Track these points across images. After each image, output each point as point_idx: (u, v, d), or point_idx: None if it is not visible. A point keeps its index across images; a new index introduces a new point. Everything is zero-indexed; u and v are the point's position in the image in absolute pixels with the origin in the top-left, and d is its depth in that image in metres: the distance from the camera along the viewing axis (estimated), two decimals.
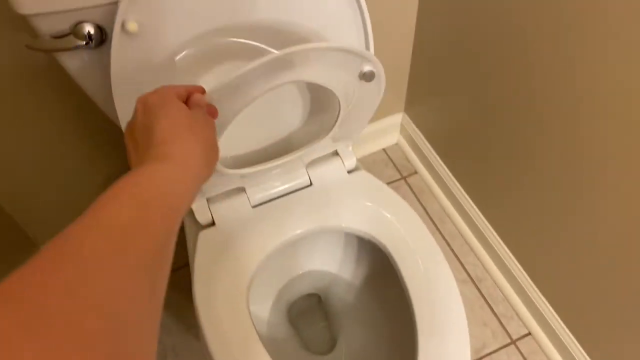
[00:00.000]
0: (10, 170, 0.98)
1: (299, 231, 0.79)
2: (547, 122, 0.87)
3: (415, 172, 1.38)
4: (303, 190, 0.83)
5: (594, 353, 0.97)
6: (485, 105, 1.03)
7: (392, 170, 1.39)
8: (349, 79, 0.66)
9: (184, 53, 0.65)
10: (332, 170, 0.84)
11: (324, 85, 0.65)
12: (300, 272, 0.96)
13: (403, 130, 1.41)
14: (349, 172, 0.84)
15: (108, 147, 1.03)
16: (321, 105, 0.79)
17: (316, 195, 0.82)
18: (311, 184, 0.83)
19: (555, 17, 0.76)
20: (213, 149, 0.44)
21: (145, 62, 0.63)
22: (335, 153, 0.85)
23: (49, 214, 1.11)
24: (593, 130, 0.77)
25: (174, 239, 0.35)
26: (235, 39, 0.67)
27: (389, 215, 0.79)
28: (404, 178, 1.37)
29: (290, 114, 0.80)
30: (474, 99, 1.07)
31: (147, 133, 0.40)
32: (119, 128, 0.72)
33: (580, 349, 0.99)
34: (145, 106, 0.42)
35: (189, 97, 0.47)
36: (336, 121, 0.73)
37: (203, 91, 0.50)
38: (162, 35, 0.62)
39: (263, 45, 0.69)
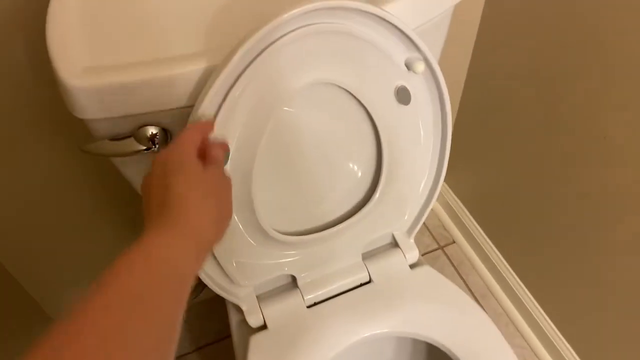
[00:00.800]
0: (21, 235, 0.91)
1: (359, 337, 0.71)
2: (595, 198, 0.81)
3: (454, 242, 1.32)
4: (362, 288, 0.76)
5: None
6: (527, 176, 0.99)
7: (429, 239, 1.33)
8: (386, 95, 0.59)
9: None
10: (393, 265, 0.77)
11: (354, 94, 0.58)
12: None
13: (440, 196, 1.35)
14: (411, 266, 0.78)
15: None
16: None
17: (377, 294, 0.75)
18: (370, 280, 0.76)
19: (626, 90, 0.71)
20: (226, 212, 0.46)
21: None
22: (395, 244, 0.79)
23: (65, 286, 1.03)
24: None
25: (183, 307, 0.36)
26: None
27: (457, 319, 0.72)
28: (442, 248, 1.31)
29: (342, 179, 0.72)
30: (515, 169, 1.03)
31: (162, 193, 0.41)
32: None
33: None
34: (165, 167, 0.42)
35: (207, 150, 0.45)
36: (381, 169, 0.67)
37: (226, 147, 0.49)
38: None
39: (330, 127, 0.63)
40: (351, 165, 0.67)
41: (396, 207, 0.75)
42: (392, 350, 0.85)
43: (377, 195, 0.70)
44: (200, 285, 0.98)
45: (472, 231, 1.26)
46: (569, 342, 1.04)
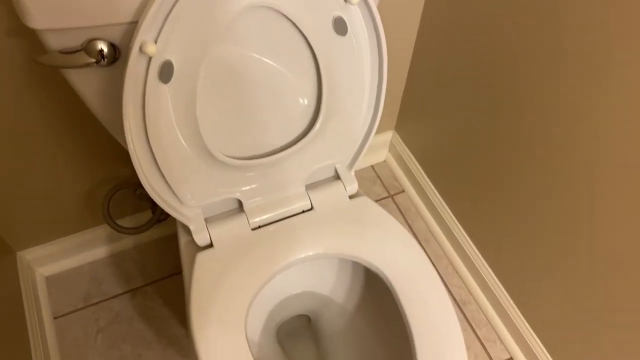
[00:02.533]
0: None
1: (298, 257, 0.78)
2: (537, 148, 0.88)
3: (403, 191, 1.39)
4: (304, 215, 0.82)
5: None
6: (476, 129, 1.04)
7: (380, 187, 1.39)
8: (324, 25, 0.64)
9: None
10: (334, 195, 0.83)
11: (293, 20, 0.62)
12: (292, 294, 0.94)
13: (392, 148, 1.42)
14: (350, 197, 0.84)
15: (93, 155, 1.00)
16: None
17: (317, 220, 0.81)
18: (312, 208, 0.82)
19: (551, 44, 0.77)
20: None
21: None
22: (337, 177, 0.85)
23: (31, 219, 1.06)
24: (585, 160, 0.79)
25: None
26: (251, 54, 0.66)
27: (389, 244, 0.79)
28: (391, 196, 1.38)
29: (291, 107, 0.76)
30: (466, 122, 1.08)
31: None
32: (107, 137, 0.69)
33: None
34: None
35: None
36: (321, 98, 0.72)
37: None
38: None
39: (270, 60, 0.68)
40: (293, 94, 0.72)
41: (337, 140, 0.80)
42: (333, 272, 0.91)
43: (317, 125, 0.75)
44: (159, 210, 1.03)
45: (420, 181, 1.33)
46: (500, 282, 1.12)
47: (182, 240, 0.82)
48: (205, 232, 0.77)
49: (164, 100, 0.62)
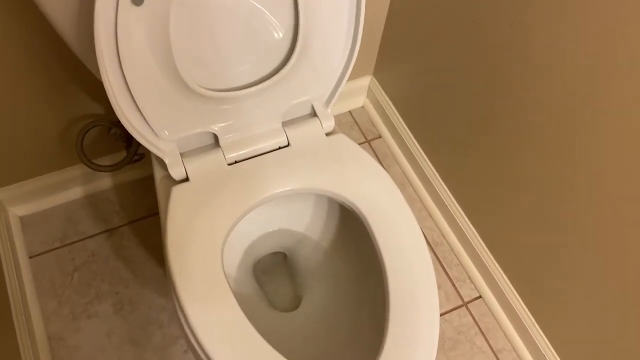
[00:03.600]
0: None
1: (274, 192, 0.78)
2: (514, 93, 0.89)
3: (380, 137, 1.39)
4: (280, 151, 0.82)
5: (539, 316, 1.04)
6: (455, 76, 1.05)
7: (357, 133, 1.40)
8: None
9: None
10: (310, 132, 0.83)
11: None
12: (268, 231, 0.96)
13: (370, 93, 1.41)
14: (327, 134, 0.84)
15: (65, 91, 0.98)
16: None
17: (293, 156, 0.81)
18: (289, 144, 0.83)
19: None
20: None
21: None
22: (314, 114, 0.85)
23: (1, 160, 1.05)
24: (559, 111, 0.80)
25: None
26: None
27: (364, 180, 0.80)
28: (368, 142, 1.38)
29: (268, 40, 0.75)
30: (444, 69, 1.08)
31: None
32: (81, 72, 0.68)
33: (527, 311, 1.05)
34: None
35: None
36: (297, 32, 0.71)
37: None
38: None
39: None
40: (270, 27, 0.71)
41: (314, 76, 0.80)
42: (309, 207, 0.93)
43: (293, 59, 0.74)
44: (134, 149, 1.02)
45: (397, 127, 1.33)
46: (472, 224, 1.15)
47: (158, 175, 0.82)
48: (180, 165, 0.77)
49: (137, 25, 0.61)
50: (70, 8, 0.61)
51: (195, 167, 0.78)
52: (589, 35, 0.71)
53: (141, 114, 0.70)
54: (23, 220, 1.18)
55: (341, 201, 0.80)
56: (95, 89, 1.00)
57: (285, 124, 0.84)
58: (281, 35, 0.72)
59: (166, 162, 0.77)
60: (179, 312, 0.69)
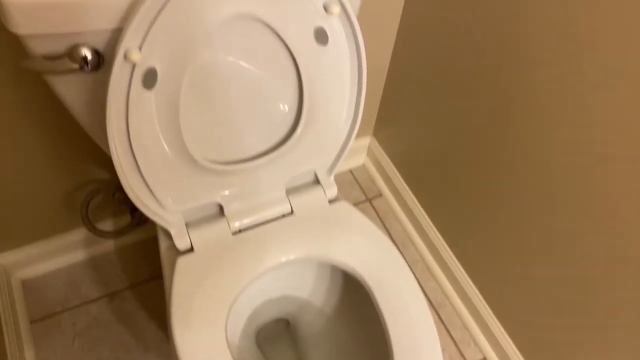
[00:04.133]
0: None
1: (279, 261, 0.79)
2: (514, 158, 0.91)
3: (380, 195, 1.41)
4: (284, 219, 0.83)
5: None
6: (453, 136, 1.07)
7: (358, 191, 1.41)
8: (305, 35, 0.65)
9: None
10: (314, 200, 0.85)
11: (275, 29, 0.64)
12: (271, 298, 0.95)
13: (370, 152, 1.44)
14: (330, 202, 0.85)
15: (71, 158, 0.99)
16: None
17: (297, 224, 0.82)
18: (292, 212, 0.84)
19: (529, 52, 0.80)
20: None
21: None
22: (317, 182, 0.86)
23: (6, 221, 1.05)
24: (562, 170, 0.82)
25: None
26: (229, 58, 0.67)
27: (366, 248, 0.81)
28: (369, 200, 1.40)
29: (273, 112, 0.78)
30: (443, 129, 1.10)
31: None
32: (86, 140, 0.70)
33: None
34: None
35: None
36: (302, 105, 0.73)
37: None
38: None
39: (253, 66, 0.69)
40: (275, 101, 0.73)
41: (317, 146, 0.82)
42: (312, 275, 0.93)
43: (298, 131, 0.76)
44: (139, 214, 1.03)
45: (397, 186, 1.35)
46: (475, 285, 1.15)
47: (163, 244, 0.82)
48: (185, 236, 0.78)
49: (148, 106, 0.63)
50: (81, 89, 0.63)
51: (200, 237, 0.78)
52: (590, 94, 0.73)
53: (148, 187, 0.71)
54: (25, 284, 1.17)
55: (344, 269, 0.81)
56: (100, 155, 1.02)
57: (288, 191, 0.85)
58: (286, 107, 0.75)
59: (171, 232, 0.78)
60: None
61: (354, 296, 0.88)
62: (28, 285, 1.17)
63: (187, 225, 0.79)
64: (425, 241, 1.30)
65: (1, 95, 0.82)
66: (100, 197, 1.12)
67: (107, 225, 1.17)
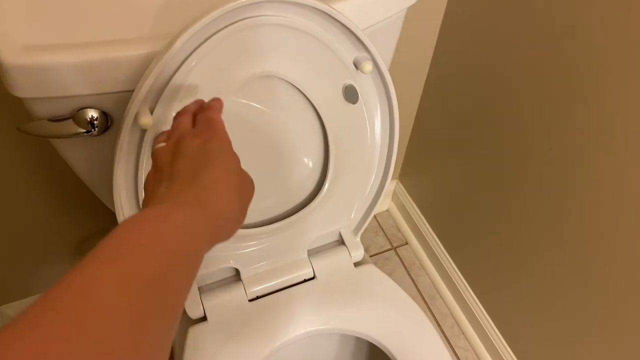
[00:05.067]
0: None
1: (298, 333, 0.72)
2: (544, 205, 0.84)
3: (406, 243, 1.33)
4: (305, 284, 0.76)
5: None
6: (480, 183, 1.01)
7: (382, 239, 1.34)
8: (333, 93, 0.60)
9: None
10: (338, 262, 0.78)
11: (302, 90, 0.58)
12: None
13: (395, 197, 1.37)
14: (355, 264, 0.78)
15: (81, 212, 0.95)
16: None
17: (320, 290, 0.75)
18: (314, 276, 0.77)
19: (557, 99, 0.73)
20: (244, 210, 0.41)
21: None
22: (342, 242, 0.79)
23: (14, 273, 1.01)
24: (598, 225, 0.74)
25: (188, 292, 0.31)
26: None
27: (394, 317, 0.74)
28: (394, 248, 1.32)
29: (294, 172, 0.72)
30: (469, 175, 1.05)
31: (193, 168, 0.38)
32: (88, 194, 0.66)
33: None
34: (205, 145, 0.40)
35: None
36: (327, 162, 0.67)
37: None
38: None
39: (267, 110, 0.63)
40: (299, 160, 0.67)
41: (343, 205, 0.75)
42: (335, 346, 0.85)
43: (324, 191, 0.70)
44: None
45: (424, 233, 1.28)
46: (509, 345, 1.07)
47: None
48: (199, 304, 0.71)
49: None
50: (88, 151, 0.58)
51: (214, 305, 0.72)
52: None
53: None
54: None
55: (371, 341, 0.73)
56: (108, 214, 0.97)
57: (310, 252, 0.78)
58: (311, 164, 0.69)
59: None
60: None
61: None
62: None
63: (200, 290, 0.73)
64: (454, 294, 1.21)
65: (4, 151, 0.77)
66: None
67: None
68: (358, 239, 0.80)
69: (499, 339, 1.08)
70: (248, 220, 0.70)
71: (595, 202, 0.75)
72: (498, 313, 1.09)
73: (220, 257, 0.72)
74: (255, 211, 0.70)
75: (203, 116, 0.45)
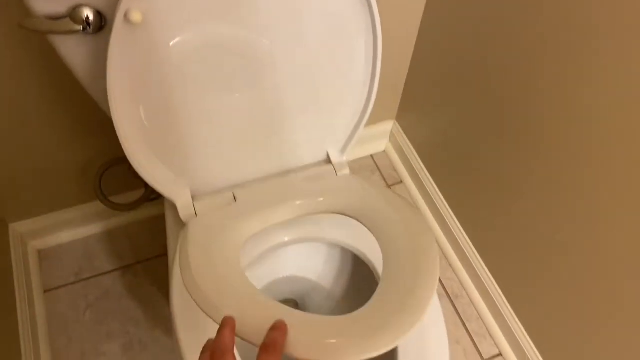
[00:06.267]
0: None
1: (282, 241, 0.77)
2: (540, 148, 0.86)
3: (401, 182, 1.37)
4: (290, 184, 0.80)
5: None
6: (478, 124, 1.03)
7: (378, 177, 1.38)
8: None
9: (178, 40, 0.62)
10: (325, 177, 0.82)
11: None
12: (281, 276, 0.94)
13: (392, 138, 1.40)
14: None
15: (87, 130, 0.99)
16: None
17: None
18: (303, 188, 0.81)
19: (558, 39, 0.75)
20: None
21: (144, 52, 0.60)
22: (329, 161, 0.83)
23: (25, 190, 1.06)
24: (591, 158, 0.77)
25: None
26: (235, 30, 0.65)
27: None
28: (389, 187, 1.36)
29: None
30: (468, 116, 1.06)
31: None
32: (102, 112, 0.70)
33: None
34: None
35: None
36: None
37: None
38: (165, 27, 0.59)
39: (261, 38, 0.67)
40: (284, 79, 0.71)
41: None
42: (322, 257, 0.91)
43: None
44: (151, 188, 1.03)
45: (419, 173, 1.31)
46: (493, 277, 1.11)
47: (168, 214, 0.81)
48: (191, 208, 0.76)
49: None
50: (85, 52, 0.62)
51: (205, 208, 0.76)
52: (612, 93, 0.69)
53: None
54: (41, 253, 1.19)
55: (354, 252, 0.78)
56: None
57: (300, 169, 0.82)
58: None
59: (177, 205, 0.76)
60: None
61: (363, 279, 0.86)
62: (44, 255, 1.19)
63: (193, 197, 0.78)
64: (445, 230, 1.26)
65: (15, 63, 0.81)
66: (115, 169, 1.11)
67: (122, 198, 1.17)
68: (344, 158, 0.83)
69: (484, 270, 1.13)
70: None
71: (586, 135, 0.78)
72: (484, 246, 1.13)
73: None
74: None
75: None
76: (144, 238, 1.22)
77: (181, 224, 0.78)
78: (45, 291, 1.14)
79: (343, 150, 0.83)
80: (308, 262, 0.92)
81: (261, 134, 0.76)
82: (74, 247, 1.20)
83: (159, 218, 1.25)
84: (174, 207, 0.79)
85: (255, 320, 0.56)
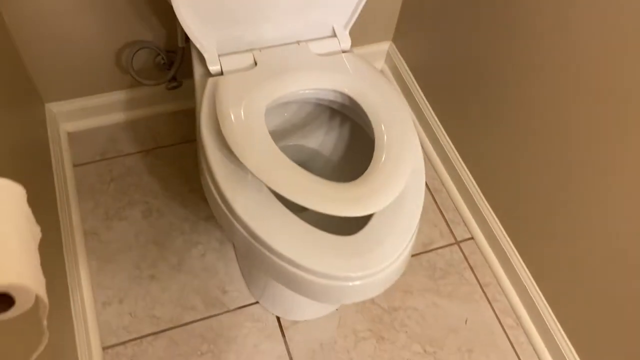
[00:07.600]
0: (38, 25, 1.08)
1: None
2: (532, 75, 0.98)
3: None
4: (300, 56, 0.95)
5: (525, 256, 1.13)
6: (475, 47, 1.14)
7: None
8: None
9: None
10: (330, 48, 0.97)
11: None
12: (285, 144, 1.09)
13: (388, 58, 1.54)
14: (343, 52, 0.98)
15: (124, 17, 1.13)
16: None
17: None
18: (310, 54, 0.96)
19: None
20: None
21: None
22: (334, 35, 0.98)
23: (61, 72, 1.20)
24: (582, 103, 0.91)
25: None
26: None
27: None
28: None
29: None
30: (464, 39, 1.17)
31: None
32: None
33: (515, 251, 1.15)
34: None
35: None
36: None
37: None
38: None
39: None
40: None
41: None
42: (323, 127, 1.06)
43: None
44: (174, 73, 1.17)
45: (414, 95, 1.43)
46: (473, 176, 1.26)
47: (197, 71, 0.96)
48: (217, 62, 0.91)
49: None
50: None
51: (229, 63, 0.91)
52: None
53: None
54: (70, 135, 1.33)
55: (348, 95, 0.92)
56: (153, 17, 1.15)
57: (309, 40, 0.97)
58: None
59: (205, 57, 0.91)
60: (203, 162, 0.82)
61: (360, 147, 1.00)
62: (73, 137, 1.33)
63: (220, 54, 0.92)
64: (430, 136, 1.39)
65: None
66: (144, 58, 1.25)
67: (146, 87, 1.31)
68: (347, 32, 0.98)
69: (464, 168, 1.28)
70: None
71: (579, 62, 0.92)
72: (467, 153, 1.27)
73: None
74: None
75: None
76: (164, 128, 1.36)
77: (207, 75, 0.92)
78: (75, 165, 1.28)
79: (346, 26, 0.98)
80: (310, 131, 1.07)
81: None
82: (100, 132, 1.34)
83: (176, 113, 1.40)
84: (202, 63, 0.94)
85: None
